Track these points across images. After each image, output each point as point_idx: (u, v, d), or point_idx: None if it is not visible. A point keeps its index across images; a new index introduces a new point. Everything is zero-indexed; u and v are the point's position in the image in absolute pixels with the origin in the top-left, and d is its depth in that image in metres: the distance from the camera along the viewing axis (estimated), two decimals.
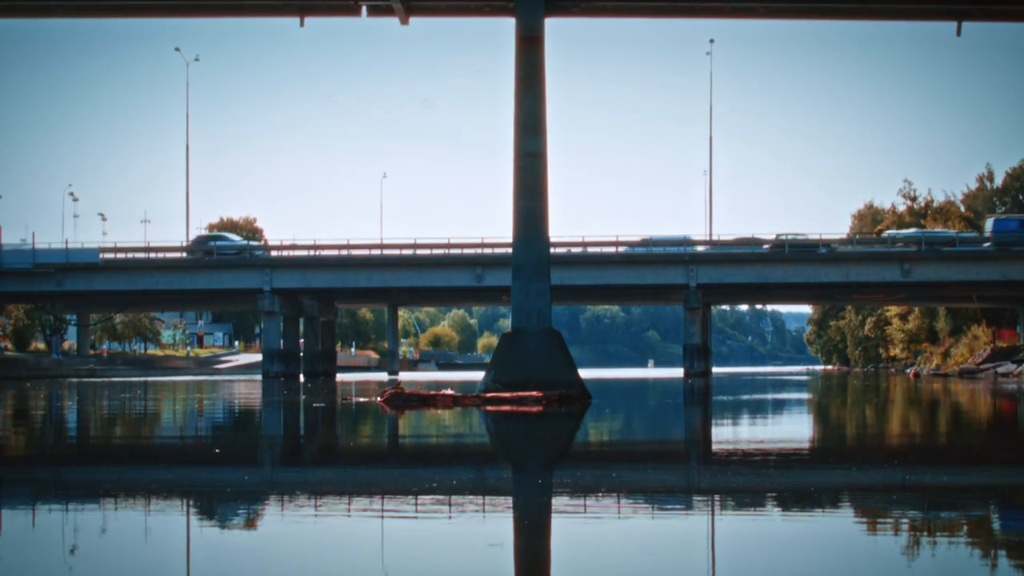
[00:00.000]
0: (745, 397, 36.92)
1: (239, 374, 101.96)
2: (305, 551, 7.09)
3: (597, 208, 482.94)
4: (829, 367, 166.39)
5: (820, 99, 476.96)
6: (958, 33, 37.97)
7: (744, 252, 78.14)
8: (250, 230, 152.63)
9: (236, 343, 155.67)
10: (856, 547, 7.18)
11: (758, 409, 28.67)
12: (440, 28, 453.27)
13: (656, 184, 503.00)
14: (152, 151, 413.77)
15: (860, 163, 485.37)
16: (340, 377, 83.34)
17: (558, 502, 9.32)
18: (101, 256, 79.61)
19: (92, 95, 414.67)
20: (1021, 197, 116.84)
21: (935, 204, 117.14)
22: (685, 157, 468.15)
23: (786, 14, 41.31)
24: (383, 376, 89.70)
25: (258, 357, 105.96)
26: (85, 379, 76.94)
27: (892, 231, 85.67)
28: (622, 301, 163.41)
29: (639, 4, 38.84)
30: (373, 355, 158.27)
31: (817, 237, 78.73)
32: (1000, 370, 76.05)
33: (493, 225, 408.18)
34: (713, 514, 8.57)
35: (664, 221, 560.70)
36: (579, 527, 7.99)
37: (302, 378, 78.65)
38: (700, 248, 79.19)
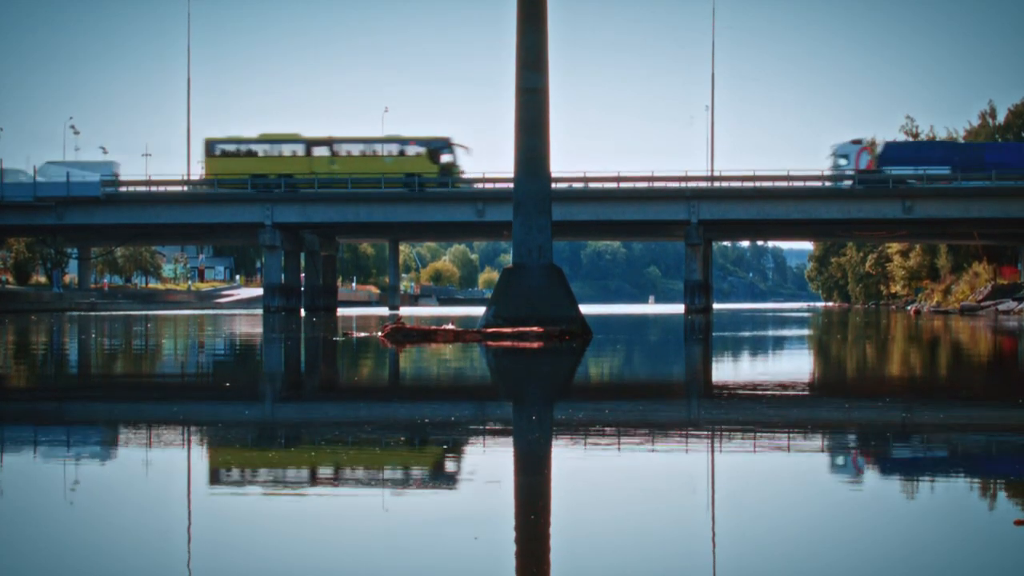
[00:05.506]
0: (746, 333, 36.97)
1: (240, 308, 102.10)
2: (304, 486, 7.13)
3: (599, 144, 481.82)
4: (830, 304, 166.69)
5: (822, 35, 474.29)
6: None
7: (746, 188, 77.95)
8: None
9: (237, 277, 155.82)
10: (850, 483, 7.21)
11: (758, 346, 28.72)
12: None
13: (658, 120, 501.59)
14: (154, 84, 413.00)
15: (862, 99, 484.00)
16: (341, 312, 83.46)
17: (558, 437, 9.35)
18: (102, 190, 79.48)
19: (93, 28, 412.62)
20: (1023, 134, 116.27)
21: (937, 140, 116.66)
22: (687, 94, 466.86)
23: None
24: (384, 311, 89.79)
25: (259, 291, 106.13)
26: (86, 313, 77.03)
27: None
28: (623, 237, 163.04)
29: None
30: (374, 290, 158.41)
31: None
32: (1001, 307, 76.17)
33: (494, 160, 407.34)
34: (712, 449, 8.60)
35: (665, 157, 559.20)
36: (579, 462, 8.01)
37: (303, 312, 78.77)
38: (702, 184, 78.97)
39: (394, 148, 79.87)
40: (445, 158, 79.17)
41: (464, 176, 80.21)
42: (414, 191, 78.33)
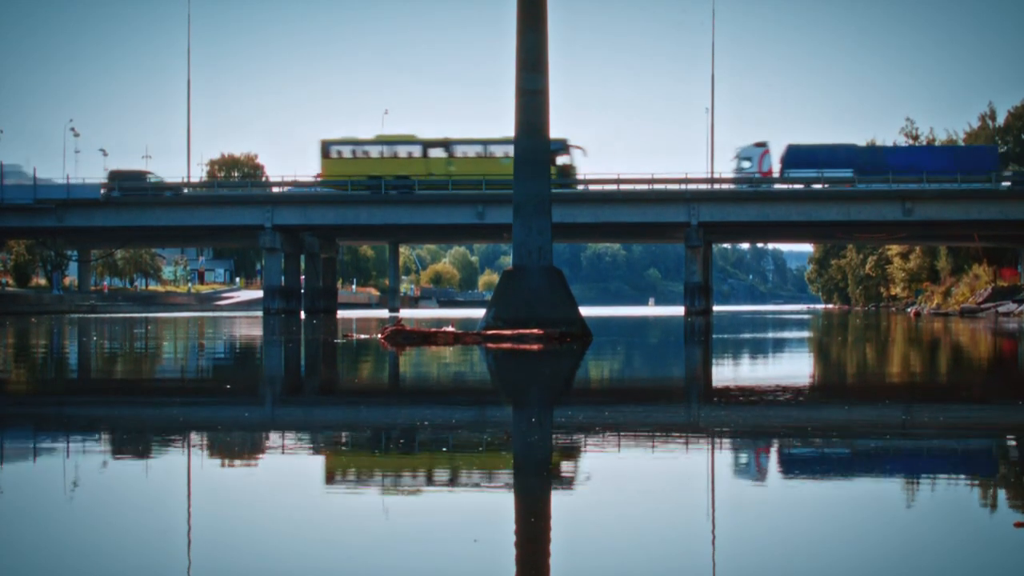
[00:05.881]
0: (746, 335, 36.96)
1: (240, 311, 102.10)
2: (304, 486, 7.12)
3: (598, 146, 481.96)
4: (830, 306, 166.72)
5: (822, 37, 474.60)
6: None
7: (746, 190, 78.03)
8: (251, 166, 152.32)
9: (237, 279, 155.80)
10: (850, 485, 7.21)
11: (759, 348, 28.71)
12: None
13: (658, 122, 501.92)
14: (154, 87, 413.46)
15: (862, 101, 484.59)
16: (341, 314, 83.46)
17: (558, 439, 9.34)
18: (102, 192, 79.51)
19: (94, 30, 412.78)
20: (1023, 136, 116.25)
21: (937, 143, 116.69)
22: (687, 95, 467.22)
23: None
24: (384, 313, 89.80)
25: (259, 294, 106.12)
26: (86, 315, 77.02)
27: None
28: (623, 239, 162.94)
29: None
30: (374, 292, 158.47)
31: None
32: (1001, 309, 76.20)
33: None
34: (713, 452, 8.59)
35: (665, 159, 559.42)
36: (579, 464, 8.01)
37: (303, 315, 78.75)
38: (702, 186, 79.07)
39: (511, 149, 79.25)
40: (562, 159, 78.20)
41: (579, 177, 79.86)
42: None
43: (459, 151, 79.68)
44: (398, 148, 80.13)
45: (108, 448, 8.89)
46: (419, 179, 79.04)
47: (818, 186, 77.79)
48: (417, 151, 79.90)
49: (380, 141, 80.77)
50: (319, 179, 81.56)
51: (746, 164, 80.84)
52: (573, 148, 78.94)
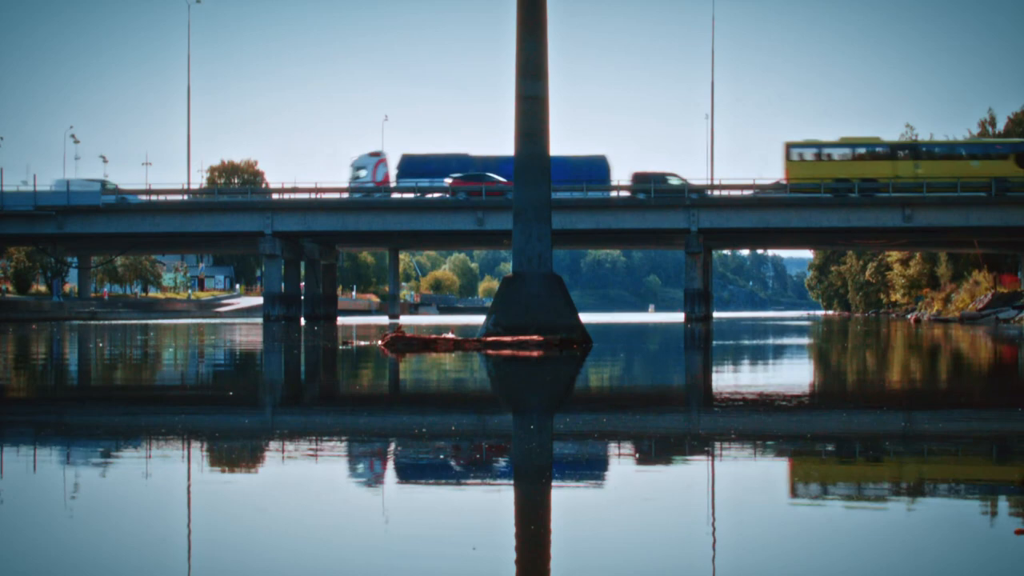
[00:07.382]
0: (746, 342, 36.96)
1: (240, 317, 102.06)
2: (305, 494, 7.12)
3: (598, 152, 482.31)
4: (830, 312, 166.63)
5: (822, 43, 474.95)
6: None
7: (746, 196, 77.91)
8: (251, 173, 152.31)
9: (237, 286, 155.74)
10: (849, 493, 7.21)
11: (758, 354, 28.71)
12: None
13: (658, 128, 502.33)
14: (154, 94, 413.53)
15: (862, 108, 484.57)
16: (341, 320, 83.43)
17: (557, 446, 9.35)
18: (102, 198, 79.47)
19: (93, 37, 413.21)
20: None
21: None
22: (687, 101, 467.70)
23: None
24: (384, 320, 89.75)
25: (259, 300, 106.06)
26: (87, 322, 77.00)
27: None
28: (623, 245, 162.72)
29: None
30: (374, 299, 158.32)
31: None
32: (1001, 316, 76.12)
33: None
34: (713, 460, 8.59)
35: (666, 165, 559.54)
36: (578, 471, 8.01)
37: (303, 321, 78.70)
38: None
39: (978, 151, 78.61)
40: None
41: None
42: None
43: (924, 153, 79.01)
44: (863, 150, 79.11)
45: (109, 454, 8.88)
46: (886, 182, 77.73)
47: (817, 193, 77.50)
48: (883, 154, 79.13)
49: (844, 144, 79.39)
50: (784, 182, 79.33)
51: (362, 173, 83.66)
52: None
